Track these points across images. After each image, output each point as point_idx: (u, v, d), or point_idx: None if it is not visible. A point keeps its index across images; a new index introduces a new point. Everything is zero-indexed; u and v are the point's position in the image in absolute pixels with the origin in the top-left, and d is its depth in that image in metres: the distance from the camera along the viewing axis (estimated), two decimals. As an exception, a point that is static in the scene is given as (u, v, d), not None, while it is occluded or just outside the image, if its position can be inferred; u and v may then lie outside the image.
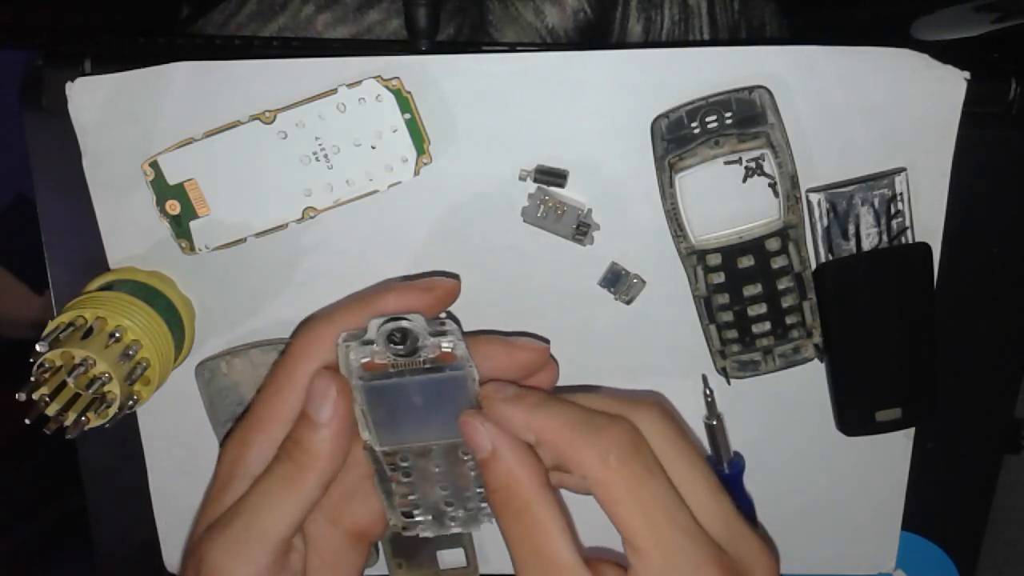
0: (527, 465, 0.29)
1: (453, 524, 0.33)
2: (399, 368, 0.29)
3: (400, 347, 0.29)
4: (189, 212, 0.39)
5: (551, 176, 0.40)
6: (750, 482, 0.45)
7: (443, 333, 0.29)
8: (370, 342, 0.29)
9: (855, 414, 0.44)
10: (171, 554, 0.47)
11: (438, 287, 0.32)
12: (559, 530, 0.28)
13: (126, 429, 0.45)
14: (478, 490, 0.32)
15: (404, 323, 0.28)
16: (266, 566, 0.29)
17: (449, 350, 0.29)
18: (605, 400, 0.30)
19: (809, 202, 0.41)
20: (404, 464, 0.31)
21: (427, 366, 0.29)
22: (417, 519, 0.33)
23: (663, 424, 0.29)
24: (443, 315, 0.31)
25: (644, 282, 0.42)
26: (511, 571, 0.43)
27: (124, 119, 0.40)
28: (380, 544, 0.46)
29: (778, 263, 0.40)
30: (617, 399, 0.30)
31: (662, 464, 0.28)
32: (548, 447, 0.29)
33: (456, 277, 0.40)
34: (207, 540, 0.30)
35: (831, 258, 0.41)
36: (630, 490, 0.27)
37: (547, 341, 0.34)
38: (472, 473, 0.31)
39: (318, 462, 0.30)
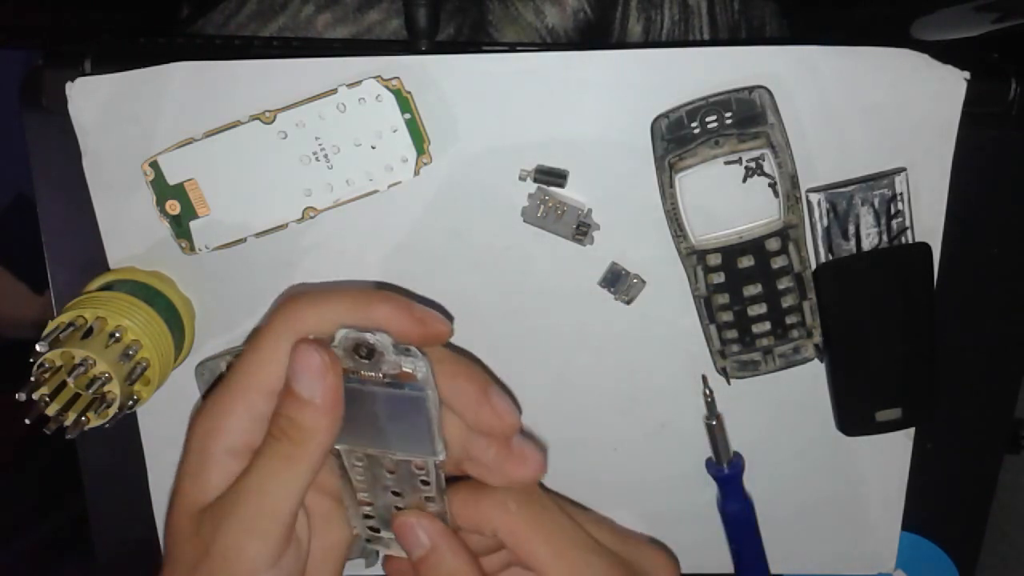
0: (464, 555, 0.31)
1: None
2: (360, 376, 0.30)
3: (365, 361, 0.29)
4: (189, 212, 0.39)
5: (551, 176, 0.40)
6: (750, 482, 0.45)
7: (407, 355, 0.29)
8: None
9: (855, 414, 0.44)
10: (171, 554, 0.47)
11: (431, 326, 0.31)
12: None
13: (126, 429, 0.45)
14: (429, 507, 0.32)
15: (370, 339, 0.29)
16: (280, 541, 0.30)
17: (410, 371, 0.29)
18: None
19: (809, 202, 0.41)
20: (359, 464, 0.31)
21: (387, 380, 0.29)
22: (381, 535, 0.33)
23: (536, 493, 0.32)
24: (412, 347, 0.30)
25: (644, 282, 0.42)
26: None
27: (124, 119, 0.40)
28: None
29: (778, 263, 0.40)
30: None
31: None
32: (466, 524, 0.31)
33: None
34: (218, 522, 0.30)
35: (831, 258, 0.41)
36: (532, 526, 0.30)
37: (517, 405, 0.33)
38: (424, 488, 0.31)
39: (314, 437, 0.30)
